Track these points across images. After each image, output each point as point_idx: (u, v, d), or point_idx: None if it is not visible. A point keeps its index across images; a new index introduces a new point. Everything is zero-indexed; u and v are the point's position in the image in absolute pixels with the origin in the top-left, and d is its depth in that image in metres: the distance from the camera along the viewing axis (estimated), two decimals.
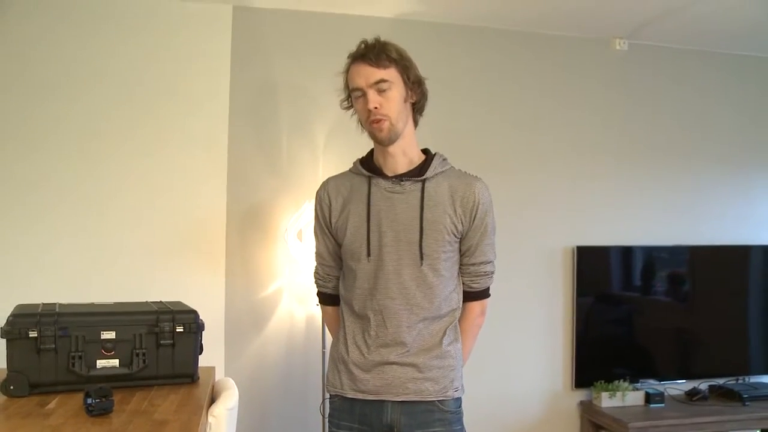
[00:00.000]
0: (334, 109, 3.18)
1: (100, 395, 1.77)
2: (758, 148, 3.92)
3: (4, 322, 2.13)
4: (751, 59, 3.93)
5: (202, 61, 2.95)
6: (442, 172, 1.86)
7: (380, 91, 1.78)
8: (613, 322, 3.62)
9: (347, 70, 1.87)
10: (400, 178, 1.84)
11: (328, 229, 1.93)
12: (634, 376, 3.49)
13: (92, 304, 2.19)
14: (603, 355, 3.54)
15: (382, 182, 1.85)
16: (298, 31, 3.19)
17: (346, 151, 3.22)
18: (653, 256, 3.66)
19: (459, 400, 1.87)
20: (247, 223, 3.10)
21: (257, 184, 3.11)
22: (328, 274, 1.98)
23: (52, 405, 1.84)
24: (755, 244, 3.83)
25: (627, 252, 3.61)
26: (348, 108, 1.93)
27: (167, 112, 2.91)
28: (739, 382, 3.68)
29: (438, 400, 1.82)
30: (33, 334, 1.91)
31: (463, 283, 1.88)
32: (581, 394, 3.51)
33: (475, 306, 1.89)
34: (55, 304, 2.17)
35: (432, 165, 1.85)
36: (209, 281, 2.94)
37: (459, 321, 1.89)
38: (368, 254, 1.82)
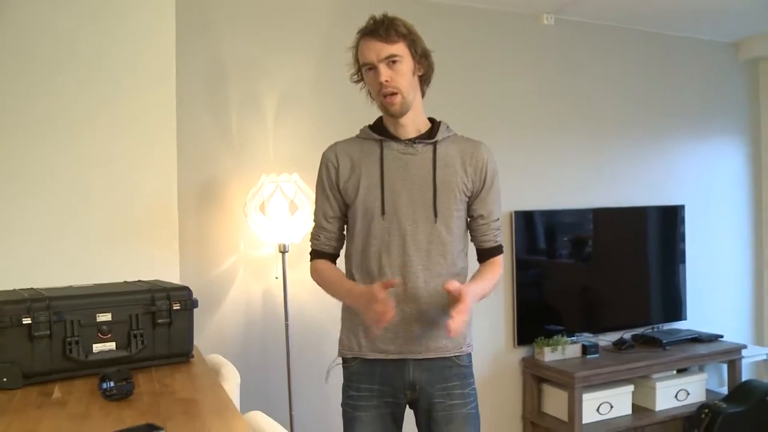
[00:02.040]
0: (283, 82, 3.17)
1: (120, 378, 1.70)
2: (656, 119, 4.23)
3: None
4: (663, 37, 4.23)
5: (147, 33, 2.79)
6: (449, 136, 1.92)
7: (390, 65, 1.81)
8: (540, 283, 3.82)
9: (357, 45, 1.88)
10: (412, 141, 1.88)
11: (332, 190, 1.94)
12: (569, 331, 3.72)
13: (75, 287, 2.07)
14: (538, 313, 3.75)
15: (394, 145, 1.89)
16: (245, 1, 3.10)
17: (297, 125, 3.20)
18: (575, 218, 3.90)
19: (470, 355, 1.95)
20: (199, 200, 3.00)
21: (208, 159, 3.02)
22: (320, 235, 1.97)
23: (57, 394, 1.74)
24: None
25: (550, 215, 3.80)
26: (357, 81, 1.94)
27: (112, 87, 2.73)
28: (656, 329, 4.04)
29: (455, 356, 1.89)
30: (26, 321, 1.79)
31: (484, 242, 1.94)
32: (522, 351, 3.71)
33: (500, 258, 1.95)
34: (31, 288, 2.03)
35: (440, 130, 1.90)
36: (162, 259, 2.82)
37: (484, 269, 1.93)
38: (383, 213, 1.85)
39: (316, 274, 1.98)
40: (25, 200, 2.60)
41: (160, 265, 2.82)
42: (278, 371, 3.01)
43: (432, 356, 1.86)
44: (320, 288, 2.02)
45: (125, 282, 2.27)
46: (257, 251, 3.08)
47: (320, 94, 3.23)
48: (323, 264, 1.97)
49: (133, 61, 2.78)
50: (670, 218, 4.20)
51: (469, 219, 1.94)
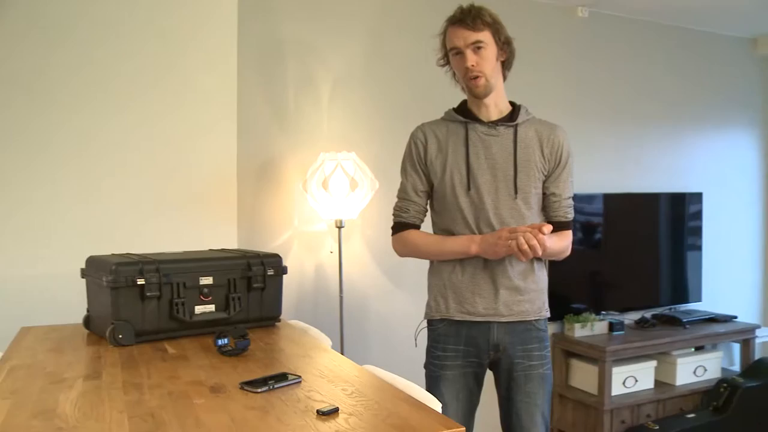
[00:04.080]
0: (336, 65, 3.29)
1: (238, 335, 1.83)
2: (677, 109, 4.39)
3: (81, 273, 2.09)
4: (686, 31, 4.39)
5: (209, 15, 2.90)
6: (528, 119, 2.06)
7: (476, 51, 1.95)
8: (568, 262, 3.96)
9: (444, 32, 2.01)
10: (495, 123, 2.02)
11: (421, 165, 2.07)
12: (593, 310, 3.89)
13: (170, 253, 2.18)
14: (562, 292, 3.91)
15: (478, 127, 2.02)
16: None
17: (349, 106, 3.32)
18: (607, 202, 4.06)
19: (546, 320, 2.10)
20: (256, 176, 3.11)
21: (266, 137, 3.12)
22: (408, 208, 2.09)
23: (172, 350, 1.86)
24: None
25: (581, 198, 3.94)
26: (443, 66, 2.07)
27: (176, 67, 2.83)
28: (673, 310, 4.23)
29: (534, 320, 2.03)
30: (140, 281, 1.91)
31: (554, 217, 2.07)
32: (551, 327, 3.88)
33: (568, 232, 2.07)
34: (127, 254, 2.14)
35: (520, 113, 2.04)
36: (221, 231, 2.94)
37: (553, 234, 2.01)
38: (468, 188, 2.00)
39: (406, 242, 2.09)
40: (90, 170, 2.71)
41: (219, 237, 2.95)
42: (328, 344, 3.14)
43: (514, 320, 2.00)
44: (397, 256, 2.16)
45: (210, 249, 2.39)
46: (311, 227, 3.21)
47: (371, 78, 3.35)
48: (416, 232, 2.09)
49: (197, 39, 2.89)
50: (689, 204, 4.37)
51: (542, 196, 2.08)
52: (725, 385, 3.71)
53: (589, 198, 3.98)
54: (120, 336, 1.88)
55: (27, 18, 2.61)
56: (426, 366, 2.09)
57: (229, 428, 1.21)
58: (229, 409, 1.32)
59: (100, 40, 2.72)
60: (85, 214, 2.69)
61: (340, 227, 3.02)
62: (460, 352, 2.02)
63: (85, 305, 2.12)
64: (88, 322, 2.10)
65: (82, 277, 2.10)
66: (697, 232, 4.39)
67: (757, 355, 4.19)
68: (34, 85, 2.62)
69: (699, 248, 4.39)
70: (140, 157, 2.79)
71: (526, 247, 1.82)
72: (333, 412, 1.29)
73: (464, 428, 1.22)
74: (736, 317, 4.20)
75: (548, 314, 2.08)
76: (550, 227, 1.83)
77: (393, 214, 2.14)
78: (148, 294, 1.92)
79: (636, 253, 4.17)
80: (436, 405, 1.42)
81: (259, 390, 1.43)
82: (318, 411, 1.28)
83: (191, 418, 1.26)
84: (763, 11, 4.12)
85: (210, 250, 2.37)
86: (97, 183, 2.71)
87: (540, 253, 1.84)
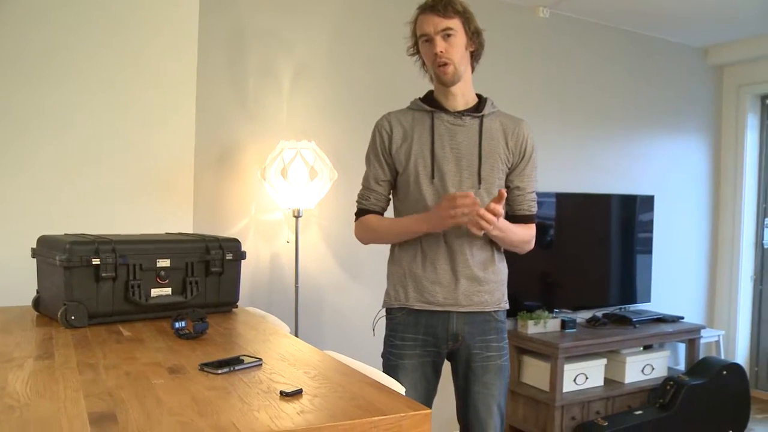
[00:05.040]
0: (298, 55, 3.26)
1: (196, 318, 1.78)
2: (632, 113, 4.51)
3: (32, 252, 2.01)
4: (643, 37, 4.47)
5: (171, 1, 2.84)
6: (494, 112, 2.07)
7: (446, 38, 1.96)
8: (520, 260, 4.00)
9: (415, 20, 2.01)
10: (461, 113, 2.03)
11: (385, 155, 2.06)
12: (548, 307, 3.93)
13: (126, 234, 2.12)
14: (518, 289, 3.94)
15: (444, 116, 2.02)
16: None
17: (310, 96, 3.29)
18: (560, 202, 4.12)
19: (506, 312, 2.11)
20: (214, 163, 3.06)
21: (224, 125, 3.07)
22: (370, 196, 2.09)
23: (127, 333, 1.81)
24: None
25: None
26: (413, 54, 2.07)
27: (135, 53, 2.76)
28: (623, 309, 4.32)
29: (493, 311, 2.04)
30: (95, 261, 1.85)
31: (518, 210, 2.08)
32: None
33: (531, 225, 2.09)
34: (82, 234, 2.07)
35: (486, 105, 2.05)
36: (176, 218, 2.88)
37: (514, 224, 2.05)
38: (432, 177, 2.00)
39: (366, 226, 2.09)
40: (44, 154, 2.62)
41: (174, 223, 2.89)
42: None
43: (474, 310, 2.01)
44: (358, 242, 2.16)
45: (167, 233, 2.34)
46: (268, 216, 3.17)
47: (333, 68, 3.33)
48: (374, 217, 2.09)
49: (158, 25, 2.83)
50: (641, 207, 4.48)
51: (506, 190, 2.09)
52: (671, 383, 3.81)
53: (541, 197, 4.03)
54: (72, 317, 1.82)
55: None
56: (384, 355, 2.08)
57: (190, 407, 1.18)
58: (190, 389, 1.29)
59: (61, 27, 2.64)
60: (38, 197, 2.60)
61: (297, 216, 2.98)
62: (418, 341, 2.02)
63: (34, 288, 2.05)
64: (37, 303, 2.03)
65: (33, 257, 2.03)
66: (648, 234, 4.49)
67: (701, 355, 4.31)
68: None
69: (649, 250, 4.50)
70: (95, 141, 2.71)
71: (484, 222, 1.83)
72: (297, 394, 1.26)
73: (430, 410, 1.21)
74: (682, 318, 4.31)
75: (507, 306, 2.10)
76: (503, 193, 1.85)
77: (356, 201, 2.13)
78: (103, 275, 1.86)
79: (588, 253, 4.24)
80: (400, 389, 1.41)
81: (220, 371, 1.40)
82: (281, 392, 1.26)
83: (151, 398, 1.23)
84: (712, 22, 4.26)
85: (167, 233, 2.32)
86: (50, 166, 2.63)
87: (495, 221, 1.84)
